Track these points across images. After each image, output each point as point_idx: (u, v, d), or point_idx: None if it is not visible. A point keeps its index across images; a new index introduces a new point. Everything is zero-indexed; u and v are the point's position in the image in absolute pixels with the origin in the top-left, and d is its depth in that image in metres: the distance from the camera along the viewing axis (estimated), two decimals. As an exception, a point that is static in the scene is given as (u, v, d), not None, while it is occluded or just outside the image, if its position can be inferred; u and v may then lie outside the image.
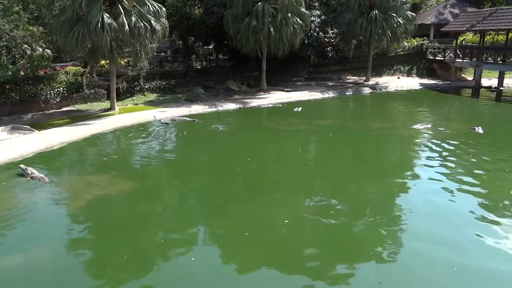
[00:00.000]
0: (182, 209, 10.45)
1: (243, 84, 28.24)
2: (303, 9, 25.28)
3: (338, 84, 30.00)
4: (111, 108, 21.00)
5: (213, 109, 22.00)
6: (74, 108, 21.61)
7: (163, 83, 25.77)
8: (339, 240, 8.61)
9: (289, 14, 24.39)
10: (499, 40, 33.77)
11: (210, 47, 33.83)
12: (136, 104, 22.77)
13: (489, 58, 28.16)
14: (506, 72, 28.52)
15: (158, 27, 19.50)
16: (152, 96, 24.55)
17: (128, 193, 11.01)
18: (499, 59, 27.46)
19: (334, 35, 32.01)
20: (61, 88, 21.33)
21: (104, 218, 9.75)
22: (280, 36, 24.29)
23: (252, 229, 9.01)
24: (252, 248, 8.29)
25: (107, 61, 21.71)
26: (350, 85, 29.79)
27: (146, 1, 19.44)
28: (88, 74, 23.08)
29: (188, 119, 19.42)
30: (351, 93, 27.65)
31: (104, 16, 17.60)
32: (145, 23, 18.99)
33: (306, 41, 28.75)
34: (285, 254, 8.02)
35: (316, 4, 30.32)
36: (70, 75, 22.20)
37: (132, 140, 16.43)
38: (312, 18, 28.59)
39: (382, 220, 9.27)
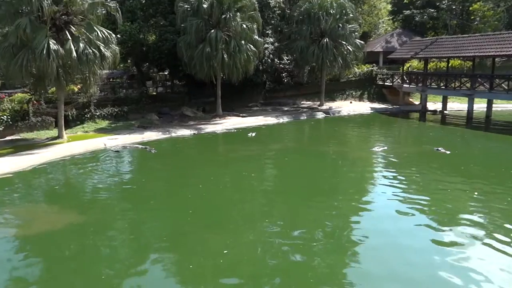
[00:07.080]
0: (132, 242, 9.99)
1: (199, 110, 28.13)
2: (256, 36, 25.79)
3: (293, 109, 30.54)
4: (59, 136, 20.15)
5: (167, 136, 21.62)
6: (19, 137, 20.58)
7: (115, 109, 25.18)
8: (295, 267, 8.49)
9: (242, 41, 24.78)
10: (442, 66, 35.88)
11: (166, 73, 33.66)
12: (87, 132, 22.02)
13: (433, 84, 29.73)
14: (449, 97, 30.23)
15: (107, 53, 19.21)
16: (104, 123, 23.87)
17: (77, 226, 10.44)
18: (441, 84, 29.05)
19: (288, 61, 32.84)
20: (5, 116, 20.43)
21: (53, 252, 9.18)
22: (234, 63, 24.56)
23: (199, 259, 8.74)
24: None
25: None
26: (305, 109, 30.41)
27: (95, 28, 19.10)
28: (34, 102, 22.17)
29: (140, 146, 18.95)
30: (305, 117, 28.18)
31: (50, 42, 17.19)
32: (94, 50, 18.64)
33: (261, 67, 29.24)
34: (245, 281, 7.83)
35: (270, 31, 31.07)
36: (15, 102, 21.29)
37: (79, 170, 15.76)
38: (266, 45, 29.22)
39: (338, 244, 9.29)
